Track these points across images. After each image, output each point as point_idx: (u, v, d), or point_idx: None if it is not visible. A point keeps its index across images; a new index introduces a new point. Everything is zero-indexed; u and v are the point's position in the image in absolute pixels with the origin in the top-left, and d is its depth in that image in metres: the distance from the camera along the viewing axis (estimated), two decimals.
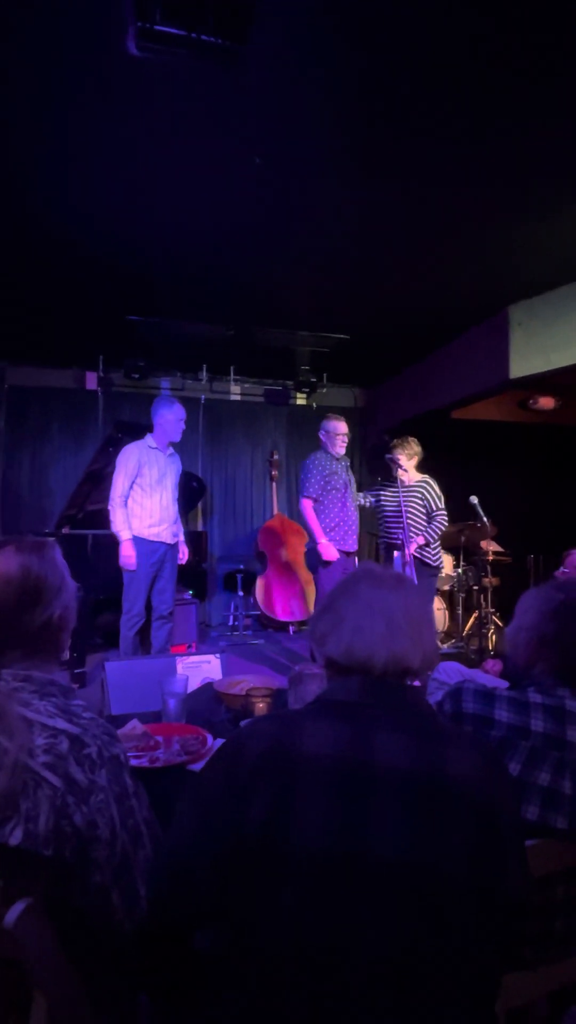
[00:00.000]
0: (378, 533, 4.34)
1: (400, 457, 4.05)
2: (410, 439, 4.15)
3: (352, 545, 4.05)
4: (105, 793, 0.87)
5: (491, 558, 4.97)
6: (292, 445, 6.87)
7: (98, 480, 4.39)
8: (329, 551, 3.87)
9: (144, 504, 3.70)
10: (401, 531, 3.94)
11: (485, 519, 4.61)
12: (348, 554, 4.03)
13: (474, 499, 4.58)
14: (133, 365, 5.74)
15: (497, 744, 1.12)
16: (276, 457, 6.50)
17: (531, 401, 5.99)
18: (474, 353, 4.94)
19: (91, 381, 6.23)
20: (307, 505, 4.00)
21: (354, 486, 4.17)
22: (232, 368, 6.40)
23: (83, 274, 4.13)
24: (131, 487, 3.69)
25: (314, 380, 6.35)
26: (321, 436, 4.17)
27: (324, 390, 6.69)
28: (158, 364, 5.99)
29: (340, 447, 4.12)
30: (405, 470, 4.05)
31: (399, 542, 3.98)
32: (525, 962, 1.14)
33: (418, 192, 3.11)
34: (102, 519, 3.96)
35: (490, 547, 5.15)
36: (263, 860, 0.79)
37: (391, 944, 0.76)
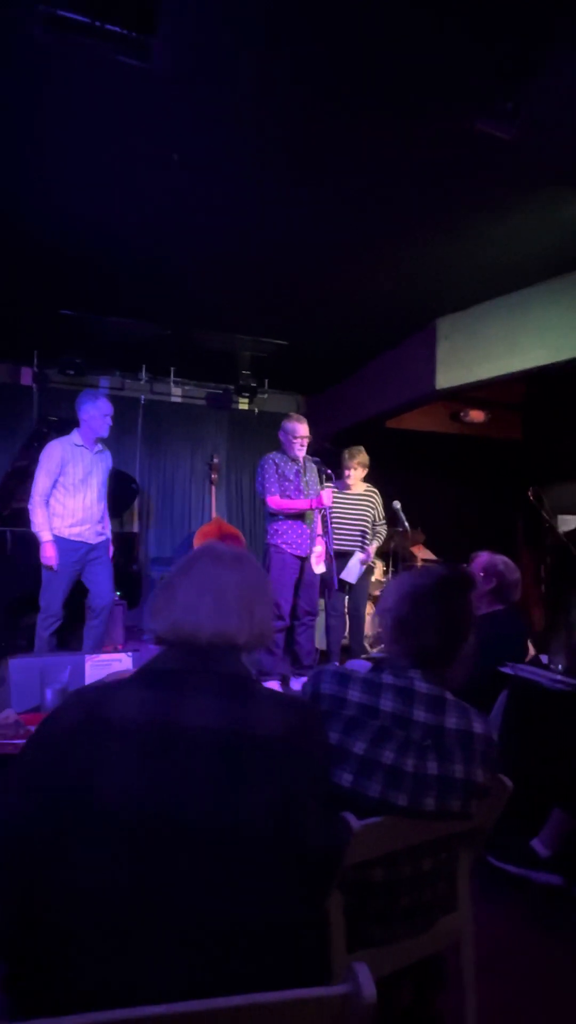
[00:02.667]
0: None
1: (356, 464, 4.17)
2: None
3: (305, 550, 3.92)
4: None
5: (420, 564, 5.09)
6: (233, 449, 6.86)
7: (24, 477, 4.25)
8: (328, 497, 3.84)
9: (66, 503, 3.60)
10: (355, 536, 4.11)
11: (406, 524, 4.72)
12: (302, 559, 3.92)
13: (397, 504, 4.68)
14: (70, 362, 5.60)
15: (347, 723, 1.14)
16: (216, 461, 6.46)
17: (462, 414, 6.19)
18: (406, 364, 5.08)
19: (26, 376, 6.06)
20: (274, 500, 3.85)
21: (315, 489, 3.96)
22: (173, 369, 6.35)
23: (13, 263, 4.02)
24: (53, 486, 3.57)
25: (255, 385, 6.36)
26: (280, 436, 3.97)
27: (266, 395, 6.73)
28: (96, 362, 5.88)
29: (299, 450, 3.89)
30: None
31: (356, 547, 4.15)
32: (372, 940, 1.16)
33: (346, 200, 3.17)
34: (26, 516, 3.83)
35: (421, 553, 5.27)
36: (75, 824, 0.80)
37: (201, 900, 0.78)
